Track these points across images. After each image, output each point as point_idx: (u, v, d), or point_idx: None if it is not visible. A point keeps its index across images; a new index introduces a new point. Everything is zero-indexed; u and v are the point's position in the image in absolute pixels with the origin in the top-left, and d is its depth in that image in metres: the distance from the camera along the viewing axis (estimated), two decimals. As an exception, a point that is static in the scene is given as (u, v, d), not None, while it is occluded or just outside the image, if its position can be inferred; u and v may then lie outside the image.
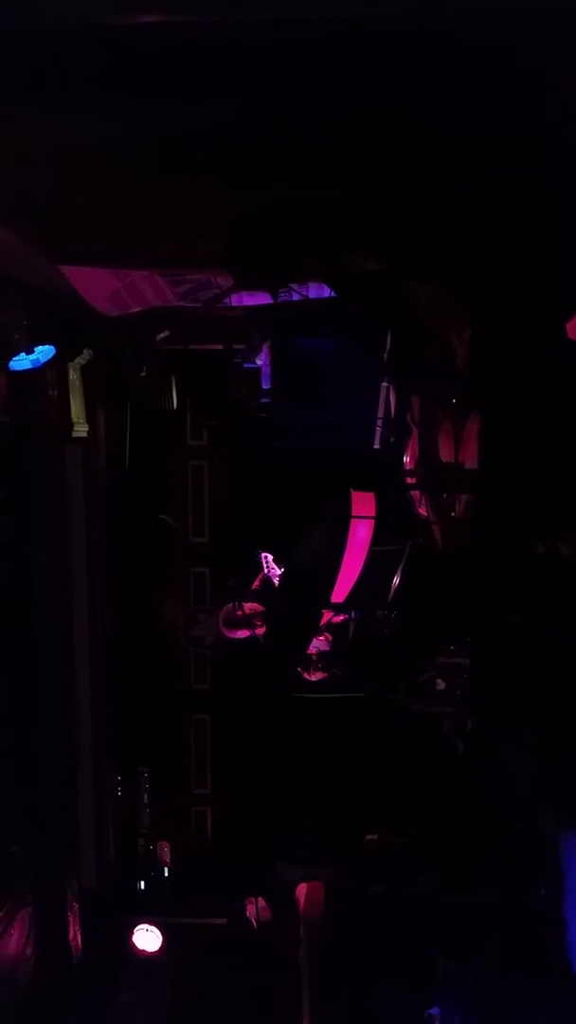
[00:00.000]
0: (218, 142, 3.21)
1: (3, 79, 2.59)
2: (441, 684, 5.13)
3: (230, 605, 5.49)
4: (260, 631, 5.33)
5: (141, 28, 2.33)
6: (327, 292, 5.12)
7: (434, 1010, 5.31)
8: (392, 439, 5.82)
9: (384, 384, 5.91)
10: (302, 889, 6.15)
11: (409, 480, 5.33)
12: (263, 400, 6.26)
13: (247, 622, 5.35)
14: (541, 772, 4.49)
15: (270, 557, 5.49)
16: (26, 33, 2.34)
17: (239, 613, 5.34)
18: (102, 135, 3.14)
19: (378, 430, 5.94)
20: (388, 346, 5.86)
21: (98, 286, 4.83)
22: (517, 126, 3.07)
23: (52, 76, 2.62)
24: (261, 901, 6.51)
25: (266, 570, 5.54)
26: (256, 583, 5.63)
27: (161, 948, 7.20)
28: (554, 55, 2.53)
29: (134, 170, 3.54)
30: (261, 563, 5.56)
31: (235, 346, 6.70)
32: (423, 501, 5.16)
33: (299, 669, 5.50)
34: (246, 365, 6.49)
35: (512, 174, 3.50)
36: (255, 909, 6.57)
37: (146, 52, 2.50)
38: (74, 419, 6.91)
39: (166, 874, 7.81)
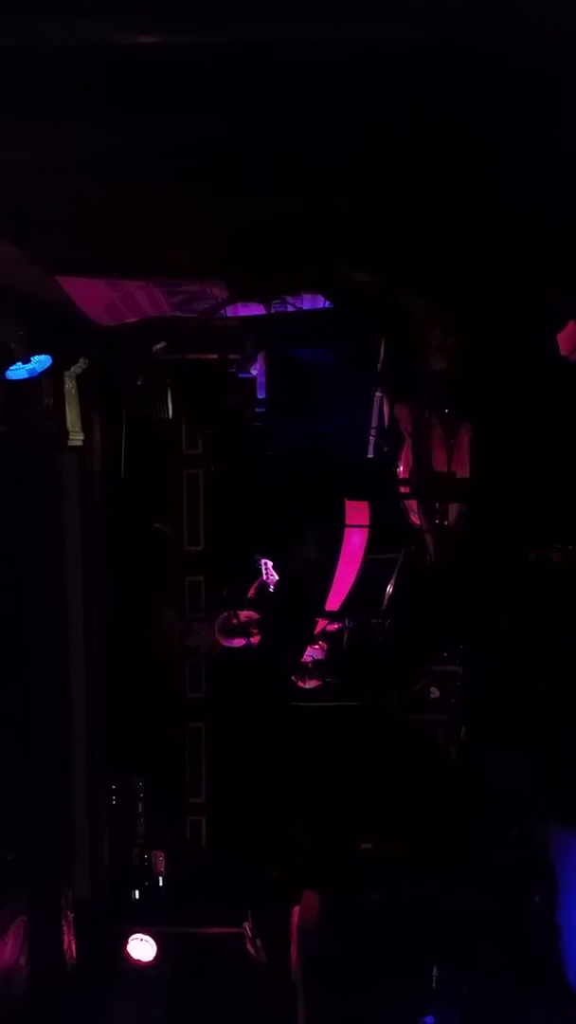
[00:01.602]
0: (214, 156, 3.25)
1: (2, 94, 2.63)
2: (435, 692, 5.16)
3: (226, 614, 5.51)
4: (255, 639, 5.35)
5: (138, 48, 2.38)
6: (321, 303, 5.16)
7: (429, 1019, 5.31)
8: (385, 448, 5.87)
9: (378, 394, 5.96)
10: (296, 912, 6.16)
11: (402, 489, 5.37)
12: (258, 409, 6.30)
13: (243, 630, 5.37)
14: (533, 779, 4.52)
15: (270, 564, 5.52)
16: (25, 51, 2.38)
17: (235, 621, 5.37)
18: (99, 148, 3.18)
19: (372, 439, 5.99)
20: (381, 356, 5.90)
21: (94, 297, 4.86)
22: (511, 141, 3.11)
23: (50, 92, 2.66)
24: (258, 942, 6.55)
25: (265, 576, 5.56)
26: (252, 591, 5.65)
27: (156, 958, 7.19)
28: (548, 69, 2.57)
29: (130, 183, 3.58)
30: (261, 569, 5.58)
31: (230, 356, 6.73)
32: (416, 510, 5.19)
33: (294, 677, 5.52)
34: (241, 375, 6.53)
35: (504, 188, 3.55)
36: (253, 948, 6.60)
37: (143, 70, 2.55)
38: (70, 428, 6.93)
39: (161, 883, 7.80)
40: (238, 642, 5.51)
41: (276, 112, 2.88)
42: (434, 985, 5.43)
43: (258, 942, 6.70)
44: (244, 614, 5.43)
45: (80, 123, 2.95)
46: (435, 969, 5.46)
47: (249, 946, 6.59)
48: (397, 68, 2.54)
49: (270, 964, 6.54)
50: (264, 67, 2.54)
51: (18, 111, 2.79)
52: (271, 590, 5.44)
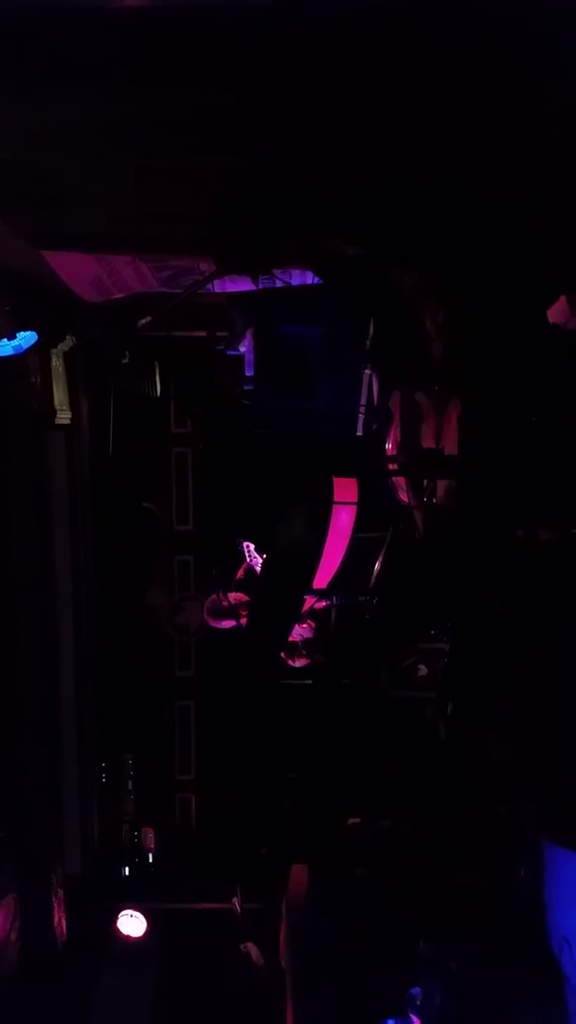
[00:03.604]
0: (203, 127, 3.21)
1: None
2: (423, 669, 5.16)
3: (215, 595, 5.49)
4: (244, 621, 5.34)
5: (127, 12, 2.33)
6: (310, 279, 5.12)
7: (415, 990, 5.37)
8: (375, 426, 5.85)
9: (367, 371, 5.93)
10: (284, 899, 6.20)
11: (391, 466, 5.35)
12: (246, 387, 6.27)
13: (232, 612, 5.35)
14: (519, 757, 4.54)
15: (252, 546, 5.49)
16: (11, 14, 2.33)
17: (224, 603, 5.35)
18: (84, 119, 3.13)
19: (361, 417, 5.97)
20: (371, 333, 5.87)
21: (79, 271, 4.80)
22: (502, 118, 3.08)
23: (34, 59, 2.61)
24: (255, 948, 6.61)
25: (249, 559, 5.54)
26: (240, 572, 5.64)
27: (145, 933, 7.24)
28: (542, 51, 2.55)
29: (117, 154, 3.53)
30: (244, 552, 5.57)
31: (218, 333, 6.69)
32: (404, 487, 5.18)
33: (283, 655, 5.52)
34: (229, 352, 6.49)
35: (496, 162, 3.52)
36: (251, 954, 6.66)
37: (130, 36, 2.50)
38: (57, 406, 6.89)
39: (150, 860, 7.85)
40: (227, 624, 5.50)
41: (267, 83, 2.84)
42: (421, 958, 5.48)
43: (243, 914, 6.74)
44: (233, 596, 5.41)
45: (67, 94, 2.90)
46: (422, 942, 5.51)
47: (248, 951, 6.65)
48: (392, 42, 2.51)
49: (257, 936, 6.60)
50: (256, 36, 2.50)
51: (6, 79, 2.74)
52: (258, 572, 5.43)
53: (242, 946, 6.66)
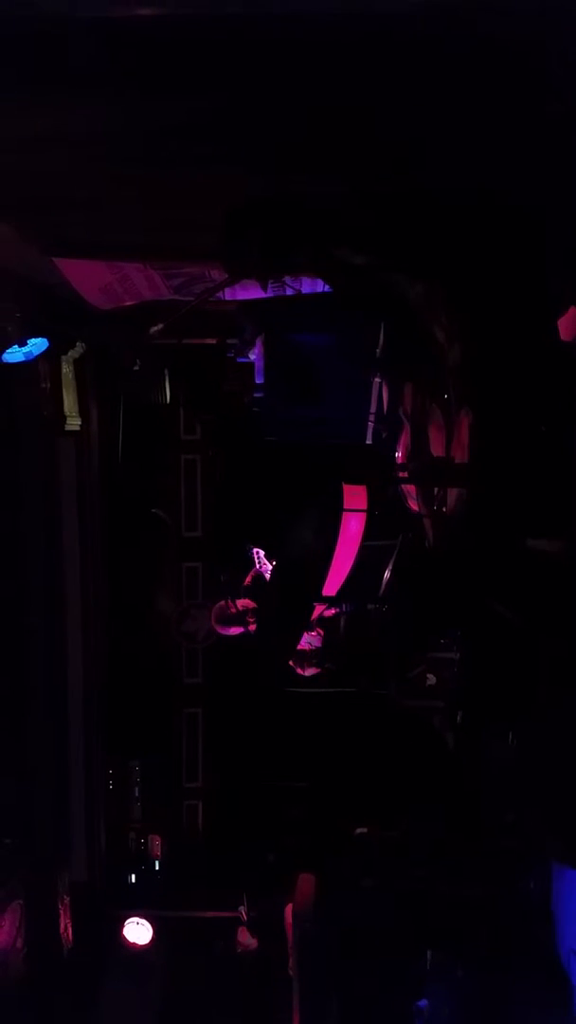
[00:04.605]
0: (214, 135, 3.22)
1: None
2: (432, 678, 5.13)
3: (223, 602, 5.48)
4: (253, 628, 5.32)
5: (137, 21, 2.34)
6: (321, 286, 5.13)
7: (422, 1002, 5.34)
8: (384, 434, 5.84)
9: (376, 379, 5.93)
10: (290, 910, 6.18)
11: (401, 474, 5.34)
12: (256, 395, 6.27)
13: (240, 619, 5.33)
14: (526, 767, 4.51)
15: (261, 553, 5.49)
16: (22, 24, 2.34)
17: (232, 610, 5.33)
18: (96, 127, 3.14)
19: (370, 425, 5.97)
20: (381, 341, 5.87)
21: (91, 278, 4.82)
22: (511, 126, 3.08)
23: (46, 67, 2.62)
24: (246, 932, 6.59)
25: (258, 566, 5.53)
26: (248, 579, 5.62)
27: (152, 941, 7.22)
28: (551, 56, 2.55)
29: (129, 162, 3.54)
30: (253, 559, 5.56)
31: (228, 341, 6.70)
32: (415, 495, 5.17)
33: (292, 664, 5.50)
34: (239, 360, 6.50)
35: (506, 171, 3.51)
36: (243, 938, 6.64)
37: (141, 45, 2.51)
38: (67, 413, 6.91)
39: (157, 867, 7.83)
40: (235, 631, 5.48)
41: (277, 91, 2.84)
42: (428, 968, 5.45)
43: (252, 924, 6.74)
44: (241, 603, 5.39)
45: (80, 101, 2.91)
46: (429, 953, 5.48)
47: (243, 930, 6.63)
48: (400, 50, 2.51)
49: (262, 949, 6.58)
50: (262, 43, 2.50)
51: (16, 88, 2.75)
52: (267, 578, 5.42)
53: (240, 909, 6.59)
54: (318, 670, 5.54)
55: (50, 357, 6.18)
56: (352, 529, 4.66)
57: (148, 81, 2.75)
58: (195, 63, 2.62)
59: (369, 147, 3.33)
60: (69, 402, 6.94)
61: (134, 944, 7.23)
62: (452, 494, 4.94)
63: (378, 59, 2.59)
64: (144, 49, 2.53)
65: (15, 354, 5.10)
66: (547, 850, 5.22)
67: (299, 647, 5.42)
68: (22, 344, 5.06)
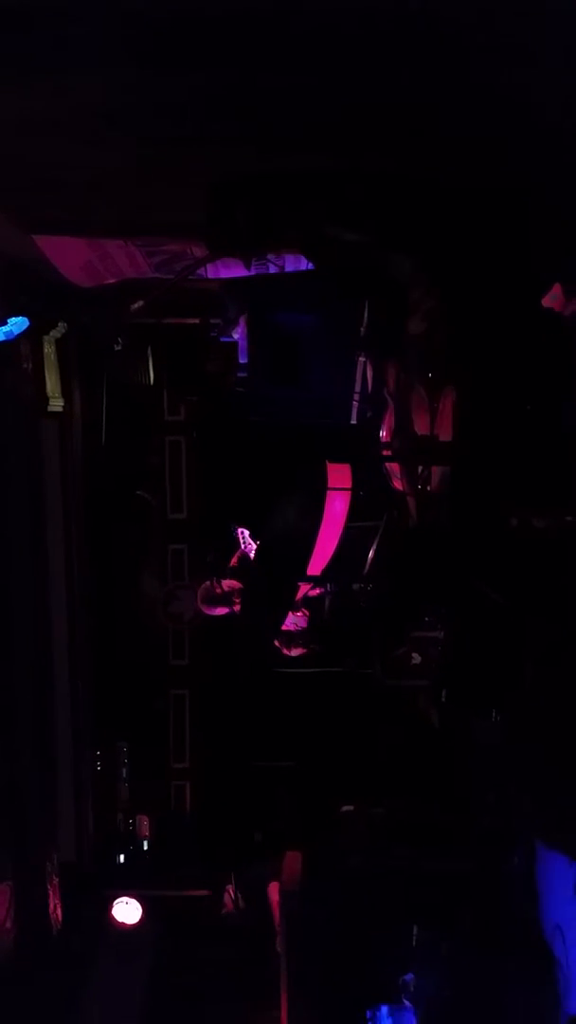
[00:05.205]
0: (201, 112, 3.17)
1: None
2: (416, 658, 5.16)
3: (208, 582, 5.48)
4: (238, 608, 5.33)
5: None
6: (304, 264, 5.08)
7: (408, 977, 5.39)
8: (369, 414, 5.82)
9: (361, 358, 5.90)
10: (275, 887, 6.21)
11: (385, 453, 5.33)
12: (240, 375, 6.23)
13: (225, 599, 5.34)
14: (511, 744, 4.54)
15: (247, 532, 5.48)
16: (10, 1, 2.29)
17: (217, 590, 5.34)
18: (78, 105, 3.09)
19: (355, 405, 5.94)
20: (365, 320, 5.84)
21: (71, 256, 4.76)
22: (502, 105, 3.06)
23: (30, 45, 2.57)
24: (231, 890, 6.62)
25: (243, 546, 5.52)
26: (234, 560, 5.62)
27: (140, 921, 7.25)
28: (538, 48, 2.53)
29: (110, 140, 3.49)
30: (238, 539, 5.55)
31: (212, 320, 6.65)
32: (399, 474, 5.17)
33: (278, 644, 5.51)
34: (223, 339, 6.45)
35: (493, 152, 3.49)
36: (231, 898, 6.66)
37: (130, 21, 2.47)
38: (49, 393, 6.85)
39: (145, 847, 7.86)
40: (221, 611, 5.49)
41: (268, 68, 2.81)
42: (414, 944, 5.50)
43: (239, 903, 6.77)
44: (227, 583, 5.40)
45: (62, 80, 2.86)
46: (415, 929, 5.53)
47: (229, 903, 6.66)
48: (396, 29, 2.48)
49: (251, 926, 6.62)
50: (255, 20, 2.47)
51: (8, 64, 2.70)
52: (252, 558, 5.41)
53: (228, 888, 6.62)
54: (304, 650, 5.55)
55: (31, 337, 6.12)
56: (337, 508, 4.66)
57: (137, 57, 2.70)
58: (185, 39, 2.58)
59: (363, 122, 3.29)
60: (52, 383, 6.88)
61: (123, 924, 7.26)
62: (436, 473, 4.95)
63: (372, 32, 2.55)
64: (135, 24, 2.49)
65: (-5, 334, 5.04)
66: (531, 827, 5.27)
67: (284, 627, 5.43)
68: (2, 323, 5.00)
